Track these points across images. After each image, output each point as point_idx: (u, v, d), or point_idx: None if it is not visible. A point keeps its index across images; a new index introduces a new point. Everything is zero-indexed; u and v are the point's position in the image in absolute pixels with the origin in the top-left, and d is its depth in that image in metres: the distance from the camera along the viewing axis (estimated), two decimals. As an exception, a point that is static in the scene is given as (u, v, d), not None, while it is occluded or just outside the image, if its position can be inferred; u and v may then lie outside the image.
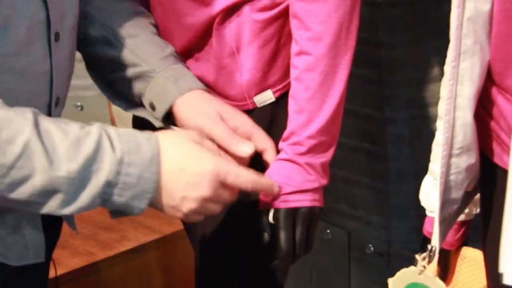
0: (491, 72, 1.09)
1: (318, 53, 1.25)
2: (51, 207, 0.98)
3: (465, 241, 1.37)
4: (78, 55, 1.45)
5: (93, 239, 2.18)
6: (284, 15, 1.31)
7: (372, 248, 2.07)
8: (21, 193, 0.96)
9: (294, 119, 1.28)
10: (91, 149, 0.98)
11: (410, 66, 1.90)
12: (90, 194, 0.99)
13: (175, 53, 1.32)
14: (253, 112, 1.35)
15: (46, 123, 0.98)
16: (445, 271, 1.37)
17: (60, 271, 2.01)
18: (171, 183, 1.04)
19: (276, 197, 1.26)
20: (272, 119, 1.36)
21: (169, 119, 1.28)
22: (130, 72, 1.28)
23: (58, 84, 1.13)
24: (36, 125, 0.97)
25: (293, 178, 1.26)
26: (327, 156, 1.29)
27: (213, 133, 1.23)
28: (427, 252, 1.18)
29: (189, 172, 1.05)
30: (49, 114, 1.12)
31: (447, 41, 1.07)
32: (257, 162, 1.27)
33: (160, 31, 1.36)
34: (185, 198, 1.06)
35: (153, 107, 1.28)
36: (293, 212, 1.26)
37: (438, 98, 1.14)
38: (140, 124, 1.42)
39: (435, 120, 1.16)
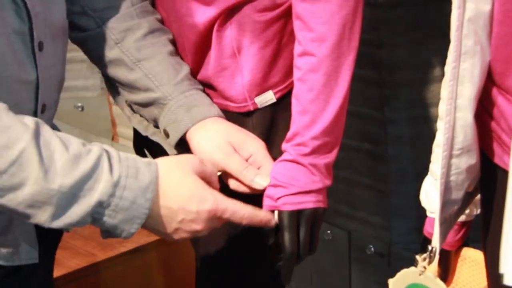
0: (492, 72, 1.09)
1: (321, 54, 1.25)
2: (40, 219, 0.98)
3: (465, 242, 1.37)
4: (78, 56, 1.45)
5: (94, 239, 2.18)
6: (285, 16, 1.31)
7: (372, 249, 2.07)
8: (10, 200, 0.96)
9: (297, 120, 1.28)
10: (88, 167, 0.98)
11: (411, 67, 1.90)
12: (81, 212, 0.99)
13: (190, 75, 1.33)
14: (254, 113, 1.35)
15: (48, 134, 0.98)
16: (446, 271, 1.37)
17: (60, 272, 2.02)
18: (166, 217, 1.05)
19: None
20: (273, 120, 1.36)
21: (183, 145, 1.29)
22: (145, 97, 1.29)
23: (45, 92, 1.12)
24: (36, 134, 0.96)
25: (297, 179, 1.26)
26: (331, 156, 1.29)
27: (228, 168, 1.25)
28: (428, 252, 1.18)
29: (188, 210, 1.06)
30: None
31: (447, 41, 1.07)
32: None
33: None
34: (178, 230, 1.07)
35: (167, 134, 1.30)
36: (297, 213, 1.26)
37: (438, 99, 1.14)
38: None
39: (435, 121, 1.16)
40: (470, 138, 1.10)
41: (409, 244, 1.98)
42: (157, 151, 1.56)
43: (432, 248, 1.17)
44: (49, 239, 1.20)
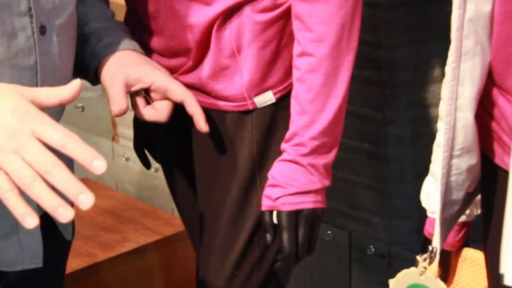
0: (492, 73, 1.09)
1: (320, 54, 1.25)
2: None
3: (466, 242, 1.37)
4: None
5: (94, 240, 2.18)
6: (285, 16, 1.31)
7: (373, 249, 2.07)
8: None
9: (296, 120, 1.28)
10: None
11: (411, 67, 1.89)
12: None
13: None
14: (253, 112, 1.35)
15: None
16: (446, 272, 1.37)
17: (61, 272, 2.01)
18: None
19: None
20: (273, 120, 1.36)
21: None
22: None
23: (46, 80, 1.07)
24: None
25: (296, 179, 1.26)
26: (329, 157, 1.29)
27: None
28: (428, 253, 1.18)
29: None
30: None
31: (448, 42, 1.07)
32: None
33: (162, 32, 1.36)
34: None
35: (88, 68, 1.29)
36: (296, 213, 1.26)
37: (439, 99, 1.14)
38: (142, 124, 1.42)
39: (436, 121, 1.16)
40: (470, 138, 1.10)
41: (409, 245, 1.98)
42: (158, 151, 1.57)
43: (433, 248, 1.17)
44: (56, 245, 1.19)
